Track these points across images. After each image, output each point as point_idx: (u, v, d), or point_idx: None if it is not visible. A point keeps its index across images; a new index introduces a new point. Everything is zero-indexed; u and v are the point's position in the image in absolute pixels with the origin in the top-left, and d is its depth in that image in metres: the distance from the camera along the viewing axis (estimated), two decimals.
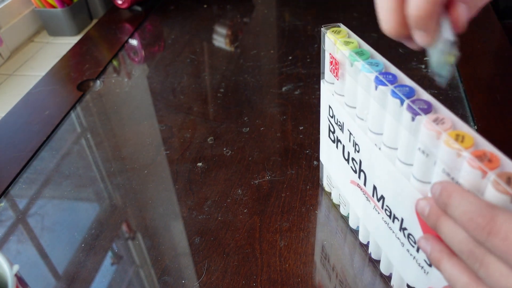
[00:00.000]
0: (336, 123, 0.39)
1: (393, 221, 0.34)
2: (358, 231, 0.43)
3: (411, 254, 0.33)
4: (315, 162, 0.52)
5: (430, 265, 0.31)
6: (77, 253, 0.43)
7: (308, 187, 0.49)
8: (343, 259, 0.42)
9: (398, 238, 0.34)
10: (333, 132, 0.41)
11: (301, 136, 0.56)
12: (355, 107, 0.36)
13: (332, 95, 0.38)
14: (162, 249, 0.43)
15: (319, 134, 0.56)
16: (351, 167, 0.39)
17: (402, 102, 0.28)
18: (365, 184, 0.37)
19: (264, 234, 0.44)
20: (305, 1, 0.91)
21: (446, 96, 0.60)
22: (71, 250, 0.44)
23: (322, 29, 0.36)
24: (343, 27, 0.36)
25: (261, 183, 0.50)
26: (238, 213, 0.46)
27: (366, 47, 0.34)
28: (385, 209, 0.34)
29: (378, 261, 0.40)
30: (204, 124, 0.59)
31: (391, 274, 0.39)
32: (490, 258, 0.22)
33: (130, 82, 0.70)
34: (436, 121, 0.26)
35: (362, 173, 0.37)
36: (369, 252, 0.41)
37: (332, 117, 0.40)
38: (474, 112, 0.57)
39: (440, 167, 0.26)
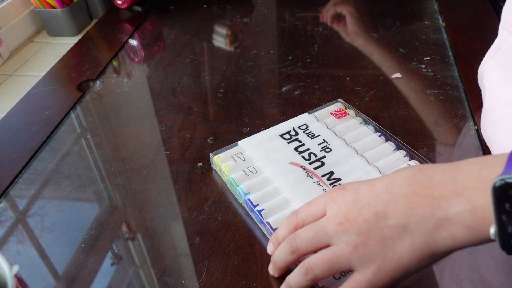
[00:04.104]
0: None
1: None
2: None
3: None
4: None
5: None
6: (77, 254, 0.43)
7: None
8: None
9: None
10: None
11: None
12: None
13: None
14: (162, 250, 0.43)
15: None
16: None
17: None
18: None
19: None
20: (305, 1, 0.91)
21: (446, 96, 0.60)
22: (71, 251, 0.44)
23: None
24: None
25: None
26: (238, 213, 0.46)
27: None
28: None
29: None
30: (204, 124, 0.59)
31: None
32: None
33: (130, 82, 0.70)
34: None
35: None
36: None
37: None
38: (475, 112, 0.57)
39: None
